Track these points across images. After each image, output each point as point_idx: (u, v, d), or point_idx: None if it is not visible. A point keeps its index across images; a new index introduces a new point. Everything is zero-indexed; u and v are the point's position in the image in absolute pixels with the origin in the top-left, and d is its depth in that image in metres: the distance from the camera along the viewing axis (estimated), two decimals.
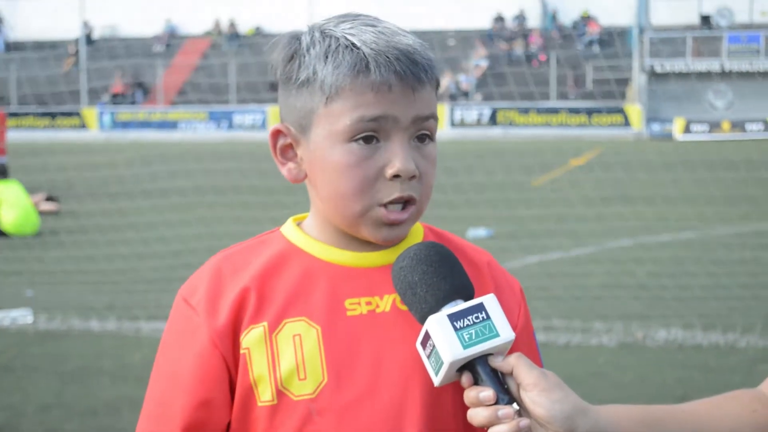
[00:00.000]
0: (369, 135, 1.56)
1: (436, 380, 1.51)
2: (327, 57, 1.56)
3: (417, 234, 1.70)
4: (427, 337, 1.51)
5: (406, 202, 1.58)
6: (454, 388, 1.57)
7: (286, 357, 1.57)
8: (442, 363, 1.49)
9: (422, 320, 1.53)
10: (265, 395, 1.57)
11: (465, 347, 1.48)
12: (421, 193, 1.59)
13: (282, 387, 1.57)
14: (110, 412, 5.83)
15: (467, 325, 1.49)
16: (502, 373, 1.51)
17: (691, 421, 1.56)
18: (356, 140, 1.56)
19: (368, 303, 1.61)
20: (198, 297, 1.61)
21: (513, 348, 1.64)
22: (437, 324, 1.49)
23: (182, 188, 14.95)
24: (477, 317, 1.50)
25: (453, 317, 1.49)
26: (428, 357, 1.51)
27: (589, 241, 11.70)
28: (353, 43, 1.55)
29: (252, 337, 1.58)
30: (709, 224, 12.46)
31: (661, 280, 9.27)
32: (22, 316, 8.03)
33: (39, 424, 5.61)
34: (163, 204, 14.16)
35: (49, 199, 15.22)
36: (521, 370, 1.49)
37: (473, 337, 1.49)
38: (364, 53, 1.55)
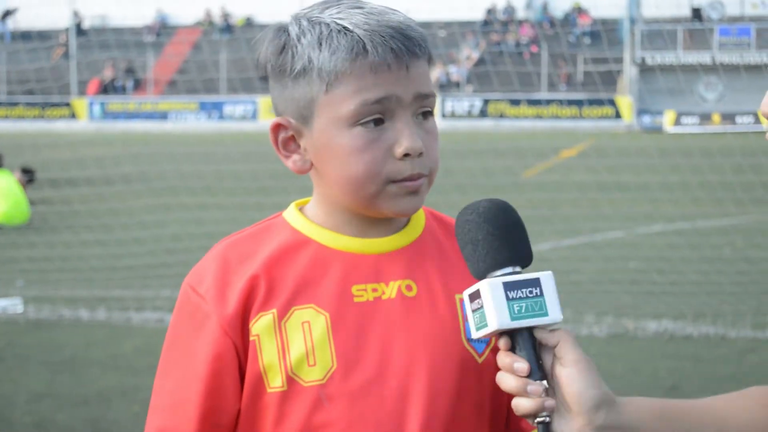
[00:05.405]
0: (375, 118, 1.55)
1: (476, 334, 1.52)
2: (321, 44, 1.54)
3: (419, 217, 1.71)
4: (477, 294, 1.50)
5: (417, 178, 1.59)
6: (458, 375, 1.60)
7: (296, 344, 1.58)
8: (486, 325, 1.49)
9: (477, 276, 1.52)
10: (275, 382, 1.58)
11: (513, 319, 1.48)
12: (431, 168, 1.60)
13: (292, 373, 1.57)
14: (101, 401, 5.82)
15: (520, 297, 1.49)
16: (539, 347, 1.50)
17: (709, 415, 1.58)
18: (362, 124, 1.55)
19: (374, 290, 1.62)
20: (206, 285, 1.61)
21: None
22: (491, 288, 1.49)
23: (168, 174, 14.89)
24: (531, 292, 1.49)
25: (508, 286, 1.49)
26: (473, 311, 1.51)
27: (581, 232, 11.71)
28: (345, 27, 1.54)
29: (261, 324, 1.58)
30: (701, 215, 12.47)
31: (652, 271, 9.28)
32: (12, 306, 8.02)
33: (29, 414, 5.61)
34: (146, 190, 14.11)
35: (25, 171, 14.66)
36: (566, 345, 1.48)
37: (523, 311, 1.48)
38: (358, 35, 1.54)
